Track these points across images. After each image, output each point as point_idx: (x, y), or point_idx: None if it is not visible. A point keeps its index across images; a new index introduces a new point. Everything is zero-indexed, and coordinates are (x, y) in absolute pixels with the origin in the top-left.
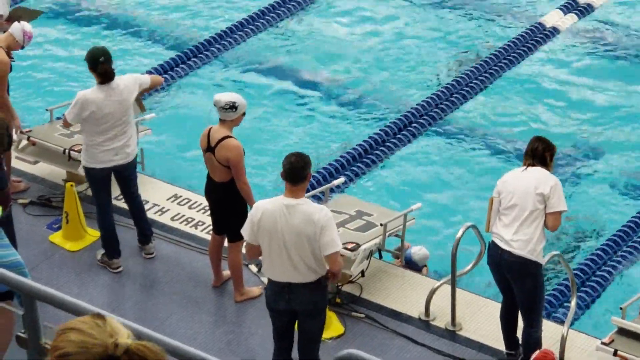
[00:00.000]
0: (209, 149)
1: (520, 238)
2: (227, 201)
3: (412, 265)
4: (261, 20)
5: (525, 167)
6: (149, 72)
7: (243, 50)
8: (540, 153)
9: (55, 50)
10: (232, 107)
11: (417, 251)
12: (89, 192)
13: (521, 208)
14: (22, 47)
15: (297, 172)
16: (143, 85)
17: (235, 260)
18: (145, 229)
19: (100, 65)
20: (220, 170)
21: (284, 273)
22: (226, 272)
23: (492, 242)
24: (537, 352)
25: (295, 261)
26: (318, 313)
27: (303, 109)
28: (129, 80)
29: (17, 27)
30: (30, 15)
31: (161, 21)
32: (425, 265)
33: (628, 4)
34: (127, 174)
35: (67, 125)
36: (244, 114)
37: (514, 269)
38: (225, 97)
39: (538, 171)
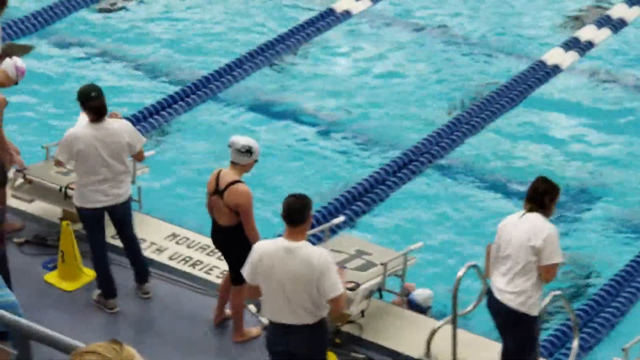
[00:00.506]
0: (217, 192)
1: (513, 290)
2: (233, 245)
3: (416, 307)
4: (260, 58)
5: (524, 212)
6: (148, 110)
7: (242, 87)
8: (540, 196)
9: (51, 85)
10: (248, 151)
11: (420, 293)
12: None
13: (514, 260)
14: (16, 83)
15: (295, 214)
16: (137, 144)
17: (238, 303)
18: (142, 270)
19: (92, 101)
20: (226, 214)
21: (283, 315)
22: (227, 311)
23: (490, 288)
24: None
25: (293, 304)
26: (317, 356)
27: (303, 146)
28: (128, 127)
29: (10, 63)
30: (23, 50)
31: (159, 58)
32: (430, 307)
33: (628, 41)
34: (119, 216)
35: (58, 164)
36: (256, 160)
37: (506, 318)
38: (243, 140)
39: (534, 219)
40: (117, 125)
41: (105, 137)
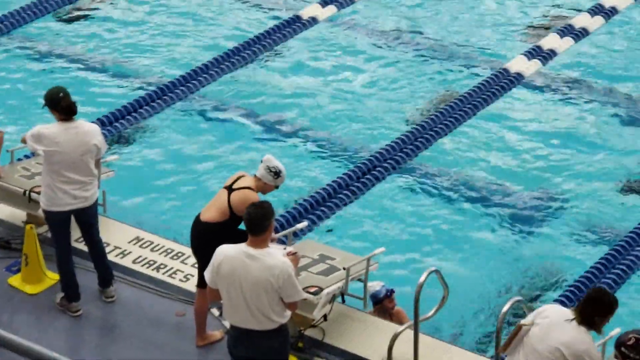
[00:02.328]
0: (229, 187)
1: None
2: (204, 242)
3: (377, 298)
4: (225, 64)
5: (572, 317)
6: (113, 115)
7: (207, 92)
8: (588, 315)
9: (18, 89)
10: (276, 173)
11: (373, 285)
12: (49, 234)
13: None
14: None
15: (256, 223)
16: (102, 149)
17: (201, 305)
18: (106, 273)
19: (62, 100)
20: (218, 210)
21: (243, 320)
22: (211, 334)
23: None
24: None
25: (253, 310)
26: None
27: (267, 150)
28: (97, 130)
29: None
30: None
31: (126, 61)
32: (388, 297)
33: (591, 50)
34: (86, 219)
35: (23, 141)
36: (277, 187)
37: None
38: (277, 162)
39: (576, 332)
40: (87, 127)
41: (75, 137)
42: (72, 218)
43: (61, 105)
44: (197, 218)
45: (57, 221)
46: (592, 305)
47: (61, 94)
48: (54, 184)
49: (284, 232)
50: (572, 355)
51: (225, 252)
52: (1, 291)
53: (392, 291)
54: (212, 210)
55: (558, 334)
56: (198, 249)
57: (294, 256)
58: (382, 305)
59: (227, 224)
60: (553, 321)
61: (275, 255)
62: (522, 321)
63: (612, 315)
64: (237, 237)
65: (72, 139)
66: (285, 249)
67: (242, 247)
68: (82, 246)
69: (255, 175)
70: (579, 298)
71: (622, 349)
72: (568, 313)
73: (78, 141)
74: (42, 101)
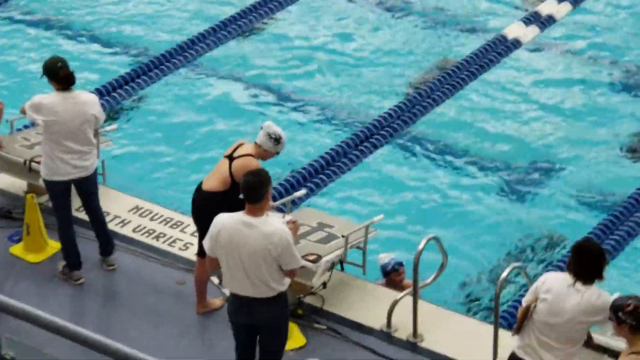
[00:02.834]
0: (229, 156)
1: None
2: (206, 211)
3: (385, 271)
4: (222, 32)
5: (573, 280)
6: (111, 84)
7: (204, 61)
8: (586, 271)
9: (16, 59)
10: (277, 139)
11: (382, 257)
12: (50, 204)
13: (559, 334)
14: None
15: (253, 191)
16: (101, 119)
17: (201, 274)
18: (107, 242)
19: (60, 70)
20: (219, 179)
21: (243, 288)
22: (211, 302)
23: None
24: None
25: (252, 278)
26: (278, 328)
27: (264, 119)
28: (96, 99)
29: None
30: None
31: (125, 30)
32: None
33: (588, 16)
34: (87, 188)
35: (22, 111)
36: (277, 153)
37: None
38: (277, 128)
39: (585, 294)
40: (86, 97)
41: (73, 107)
42: (73, 188)
43: (59, 75)
44: (199, 187)
45: (58, 191)
46: (584, 260)
47: (59, 64)
48: (54, 153)
49: (282, 200)
50: (594, 314)
51: (223, 221)
52: (3, 261)
53: (400, 264)
54: (213, 180)
55: (570, 303)
56: (200, 218)
57: (294, 224)
58: (390, 277)
59: (229, 193)
60: (558, 292)
61: (273, 223)
62: (524, 300)
63: (606, 260)
64: (239, 206)
65: (70, 108)
66: (284, 217)
67: (239, 215)
68: (83, 215)
69: (255, 142)
70: None
71: (620, 314)
72: (567, 277)
73: (76, 111)
74: (40, 71)
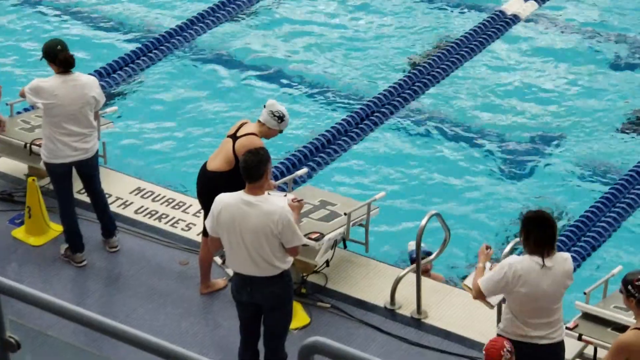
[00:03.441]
0: (233, 136)
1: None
2: (211, 191)
3: (410, 258)
4: (221, 12)
5: (541, 260)
6: (111, 66)
7: (203, 42)
8: (546, 240)
9: (15, 42)
10: (280, 117)
11: (411, 244)
12: (52, 187)
13: (547, 310)
14: None
15: (252, 170)
16: (101, 100)
17: (206, 254)
18: (109, 224)
19: (60, 53)
20: (224, 158)
21: (245, 267)
22: (215, 282)
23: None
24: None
25: (254, 257)
26: (282, 307)
27: (265, 98)
28: (95, 81)
29: None
30: None
31: (120, 14)
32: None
33: None
34: (87, 171)
35: (21, 94)
36: (281, 131)
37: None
38: (280, 106)
39: (560, 265)
40: (85, 79)
41: (73, 90)
42: (74, 170)
43: (59, 58)
44: (204, 167)
45: (59, 173)
46: (545, 228)
47: (59, 47)
48: (54, 136)
49: (284, 179)
50: (569, 278)
51: (224, 200)
52: (5, 244)
53: (428, 254)
54: (218, 160)
55: (547, 283)
56: (205, 198)
57: (299, 203)
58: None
59: (234, 173)
60: (533, 280)
61: (273, 201)
62: (486, 290)
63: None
64: (244, 185)
65: (70, 91)
66: (285, 195)
67: (240, 194)
68: (85, 197)
69: (258, 121)
70: (579, 237)
71: (629, 287)
72: (532, 260)
73: (76, 93)
74: (40, 54)
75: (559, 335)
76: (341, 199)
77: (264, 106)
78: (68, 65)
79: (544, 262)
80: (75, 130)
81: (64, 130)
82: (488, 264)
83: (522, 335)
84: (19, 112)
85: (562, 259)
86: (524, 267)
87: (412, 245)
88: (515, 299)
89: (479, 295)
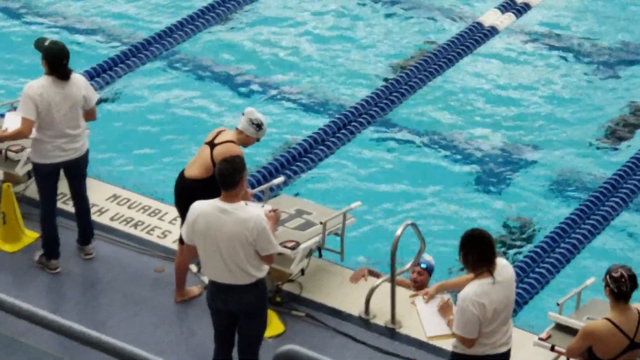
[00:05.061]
0: (210, 143)
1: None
2: (189, 198)
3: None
4: (199, 21)
5: (490, 278)
6: (89, 73)
7: (180, 51)
8: (489, 257)
9: None
10: (258, 125)
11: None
12: (27, 193)
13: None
14: None
15: (227, 179)
16: (92, 99)
17: (182, 261)
18: (88, 230)
19: (62, 67)
20: (201, 166)
21: (221, 275)
22: (190, 290)
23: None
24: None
25: (229, 264)
26: (256, 315)
27: (243, 107)
28: (84, 81)
29: None
30: None
31: (97, 21)
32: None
33: (565, 3)
34: (76, 171)
35: (27, 124)
36: (258, 139)
37: None
38: (259, 115)
39: (504, 274)
40: (73, 79)
41: (62, 91)
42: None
43: (59, 71)
44: (181, 174)
45: (47, 174)
46: (487, 246)
47: (65, 61)
48: (43, 138)
49: (260, 188)
50: (514, 281)
51: (199, 208)
52: None
53: (426, 267)
54: (195, 167)
55: (503, 295)
56: (182, 205)
57: (275, 213)
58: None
59: (211, 180)
60: (493, 300)
61: (248, 209)
62: (468, 333)
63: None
64: (221, 193)
65: (59, 92)
66: (263, 206)
67: (215, 202)
68: (61, 204)
69: (236, 128)
70: (553, 249)
71: (607, 276)
72: (483, 282)
73: (65, 94)
74: (40, 49)
75: (511, 336)
76: (317, 208)
77: (243, 114)
78: (62, 78)
79: (494, 279)
80: (65, 131)
81: (53, 132)
82: (446, 296)
83: (487, 349)
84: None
85: (503, 266)
86: (480, 293)
87: (426, 256)
88: (483, 324)
89: (471, 342)
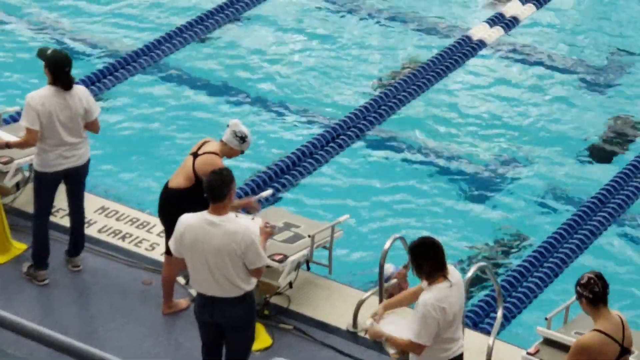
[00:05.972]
0: (194, 153)
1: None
2: (172, 208)
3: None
4: (189, 32)
5: (448, 280)
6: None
7: (170, 62)
8: (441, 261)
9: None
10: (242, 138)
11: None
12: (15, 204)
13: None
14: None
15: (215, 190)
16: (94, 111)
17: (169, 274)
18: (80, 241)
19: (64, 75)
20: (184, 176)
21: (208, 287)
22: (177, 302)
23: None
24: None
25: (217, 277)
26: (244, 328)
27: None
28: (86, 92)
29: None
30: None
31: (90, 31)
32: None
33: (553, 17)
34: (78, 178)
35: (31, 134)
36: (242, 152)
37: None
38: (243, 127)
39: (456, 276)
40: (75, 90)
41: (64, 101)
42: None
43: (61, 79)
44: (166, 185)
45: (47, 182)
46: (438, 251)
47: (67, 69)
48: (44, 147)
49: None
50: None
51: (187, 221)
52: None
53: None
54: (178, 177)
55: (457, 297)
56: (165, 215)
57: (270, 229)
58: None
59: (194, 190)
60: (452, 303)
61: (238, 220)
62: (424, 341)
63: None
64: (204, 202)
65: (61, 102)
66: (253, 219)
67: (203, 214)
68: (52, 217)
69: (221, 140)
70: (542, 263)
71: (578, 288)
72: (442, 287)
73: (67, 104)
74: (42, 57)
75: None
76: (305, 221)
77: (228, 126)
78: (65, 88)
79: (450, 282)
80: (67, 140)
81: (54, 141)
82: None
83: (449, 354)
84: None
85: (452, 269)
86: (440, 298)
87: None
88: (442, 329)
89: (420, 348)
